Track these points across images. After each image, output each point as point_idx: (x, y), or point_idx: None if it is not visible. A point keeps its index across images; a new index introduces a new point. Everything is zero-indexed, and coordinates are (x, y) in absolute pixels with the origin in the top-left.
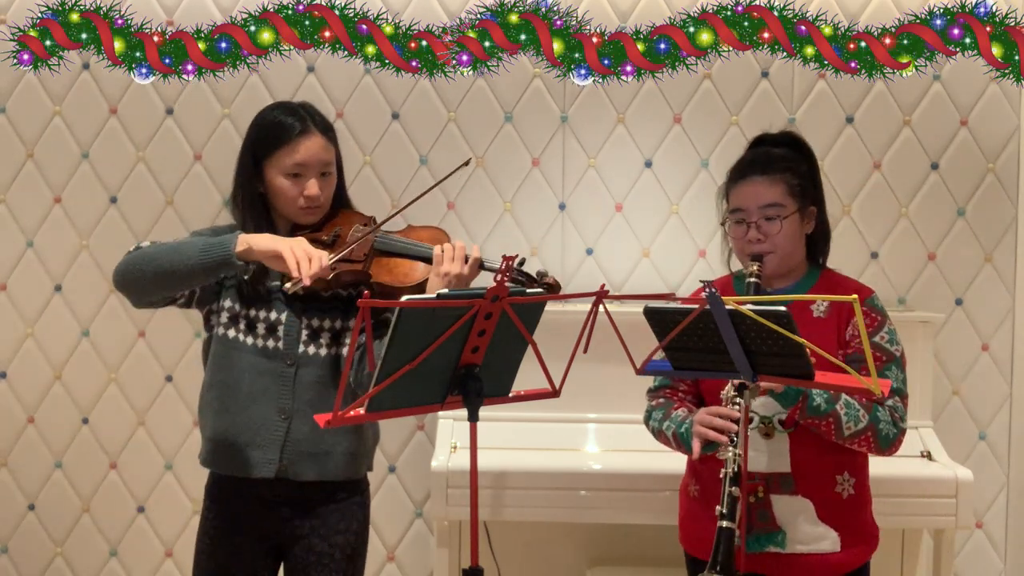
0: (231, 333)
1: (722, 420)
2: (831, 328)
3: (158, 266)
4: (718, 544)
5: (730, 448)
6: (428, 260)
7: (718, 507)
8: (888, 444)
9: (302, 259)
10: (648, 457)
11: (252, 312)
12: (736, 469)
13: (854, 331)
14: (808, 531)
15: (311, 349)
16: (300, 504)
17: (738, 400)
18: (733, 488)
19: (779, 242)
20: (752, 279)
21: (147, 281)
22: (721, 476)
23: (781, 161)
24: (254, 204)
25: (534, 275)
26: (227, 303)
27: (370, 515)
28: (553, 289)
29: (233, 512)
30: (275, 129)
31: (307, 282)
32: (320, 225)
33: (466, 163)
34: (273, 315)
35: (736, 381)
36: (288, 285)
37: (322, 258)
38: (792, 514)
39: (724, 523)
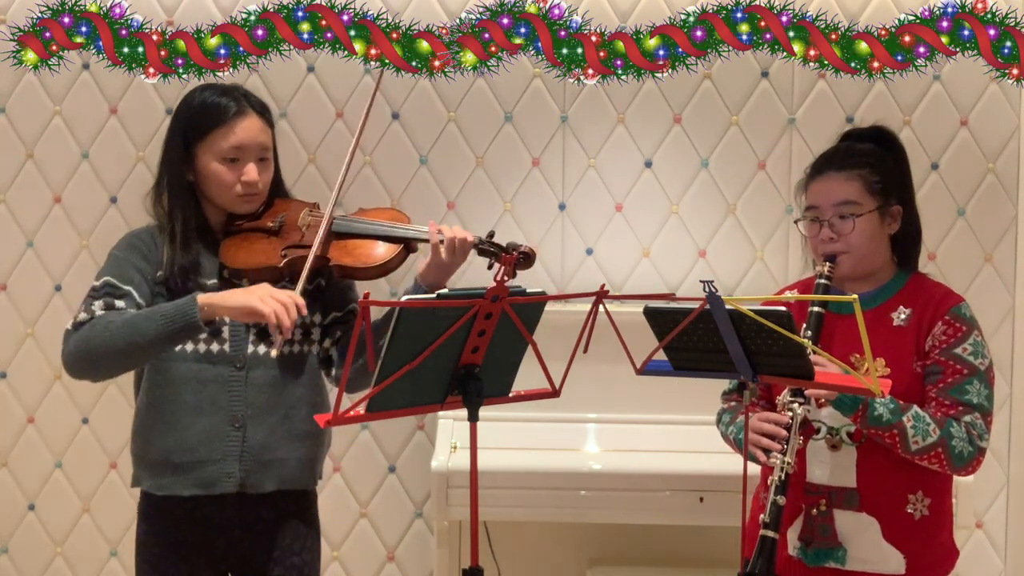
0: None
1: (772, 426)
2: (910, 337)
3: (116, 349)
4: (759, 553)
5: (778, 456)
6: (390, 240)
7: (762, 516)
8: (963, 463)
9: (280, 311)
10: (648, 457)
11: None
12: (783, 477)
13: (935, 342)
14: (871, 551)
15: (261, 348)
16: (250, 524)
17: (792, 405)
18: (779, 497)
19: (853, 241)
20: (821, 280)
21: (107, 365)
22: (768, 483)
23: (860, 156)
24: (183, 194)
25: (504, 245)
26: None
27: (320, 527)
28: (527, 258)
29: (176, 537)
30: (209, 110)
31: (288, 335)
32: (258, 215)
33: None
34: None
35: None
36: (275, 352)
37: (294, 298)
38: (855, 532)
39: (768, 532)
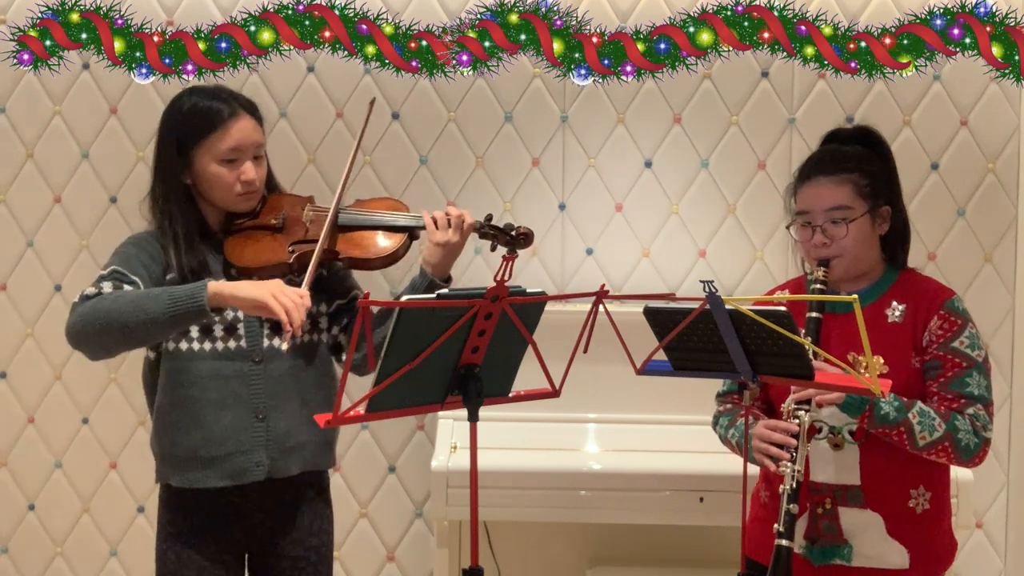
0: (184, 345)
1: (781, 435)
2: (907, 334)
3: (121, 325)
4: (776, 563)
5: (788, 464)
6: (395, 230)
7: (776, 525)
8: (970, 455)
9: (291, 308)
10: (648, 457)
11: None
12: (795, 485)
13: (932, 337)
14: (876, 546)
15: (276, 341)
16: (270, 508)
17: (799, 413)
18: (791, 505)
19: (846, 246)
20: (817, 284)
21: (109, 340)
22: (780, 492)
23: (850, 160)
24: (178, 196)
25: (503, 227)
26: None
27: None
28: (526, 238)
29: (198, 523)
30: (202, 114)
31: (299, 333)
32: (256, 211)
33: (371, 102)
34: (229, 314)
35: (795, 392)
36: (284, 346)
37: (304, 297)
38: (860, 528)
39: (782, 541)
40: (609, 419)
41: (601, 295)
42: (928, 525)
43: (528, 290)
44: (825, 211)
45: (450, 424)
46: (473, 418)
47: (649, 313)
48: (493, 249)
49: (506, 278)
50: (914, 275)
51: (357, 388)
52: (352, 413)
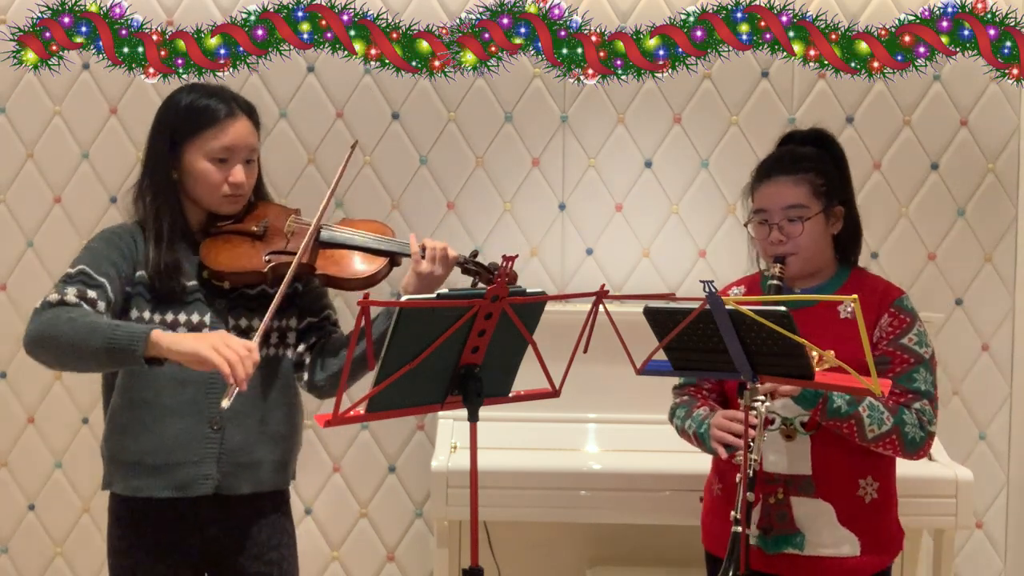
0: None
1: (739, 425)
2: (857, 329)
3: (66, 348)
4: (731, 550)
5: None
6: (376, 253)
7: (733, 512)
8: (915, 448)
9: (235, 362)
10: (648, 457)
11: (169, 317)
12: (752, 474)
13: (882, 333)
14: (828, 535)
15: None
16: (226, 522)
17: (755, 403)
18: (748, 494)
19: (802, 243)
20: (773, 281)
21: (56, 363)
22: (737, 481)
23: (806, 161)
24: (166, 192)
25: (487, 265)
26: (135, 313)
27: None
28: (510, 279)
29: (151, 538)
30: (200, 111)
31: (244, 388)
32: (240, 217)
33: (353, 145)
34: (195, 317)
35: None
36: (225, 402)
37: (252, 350)
38: (812, 517)
39: (738, 528)
40: (609, 419)
41: (601, 295)
42: (877, 514)
43: (528, 290)
44: (782, 209)
45: (450, 424)
46: (473, 418)
47: (649, 313)
48: (474, 285)
49: (506, 278)
50: (865, 274)
51: (357, 388)
52: (352, 413)
